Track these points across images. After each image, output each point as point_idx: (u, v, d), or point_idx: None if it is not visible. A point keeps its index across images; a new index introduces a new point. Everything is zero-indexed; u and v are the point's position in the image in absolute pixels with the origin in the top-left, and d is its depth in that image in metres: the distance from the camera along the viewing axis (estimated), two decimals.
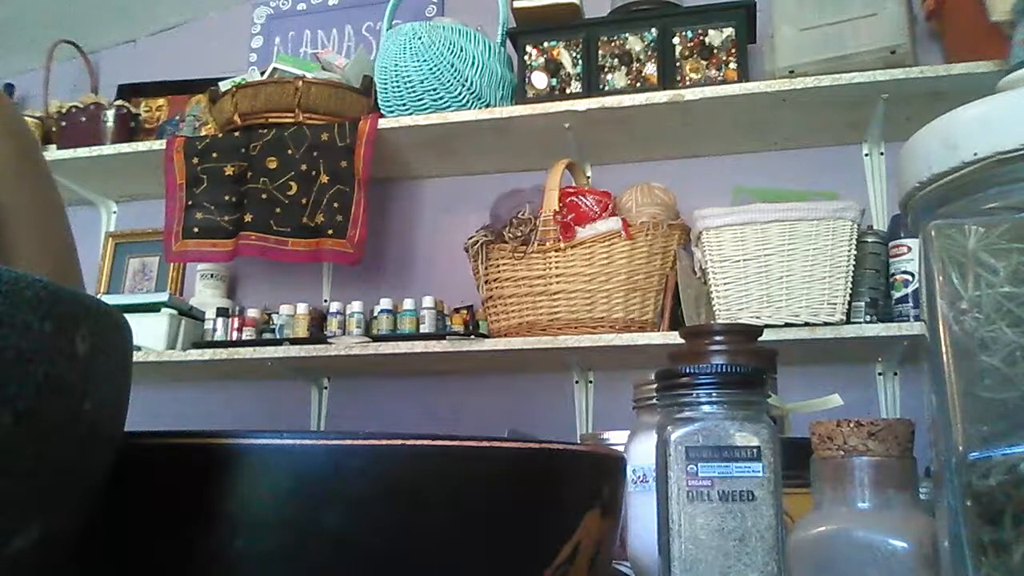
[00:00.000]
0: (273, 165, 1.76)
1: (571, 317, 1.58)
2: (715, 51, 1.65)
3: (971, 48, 1.52)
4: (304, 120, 1.78)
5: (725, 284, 1.51)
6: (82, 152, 1.92)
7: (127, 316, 0.33)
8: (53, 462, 0.28)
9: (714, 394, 0.50)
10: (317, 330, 1.84)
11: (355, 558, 0.36)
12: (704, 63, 1.65)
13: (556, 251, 1.57)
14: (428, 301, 1.81)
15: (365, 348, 1.70)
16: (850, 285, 1.48)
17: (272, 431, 0.37)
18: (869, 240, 1.54)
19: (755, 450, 0.49)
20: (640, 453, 0.69)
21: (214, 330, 1.86)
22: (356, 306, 1.84)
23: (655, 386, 0.55)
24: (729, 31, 1.65)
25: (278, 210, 1.75)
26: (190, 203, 1.79)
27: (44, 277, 0.27)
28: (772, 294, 1.49)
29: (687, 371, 0.51)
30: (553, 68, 1.74)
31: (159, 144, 1.87)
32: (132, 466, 0.35)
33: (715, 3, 1.69)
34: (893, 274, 1.54)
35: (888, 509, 0.54)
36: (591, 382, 1.86)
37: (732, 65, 1.64)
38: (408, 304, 1.83)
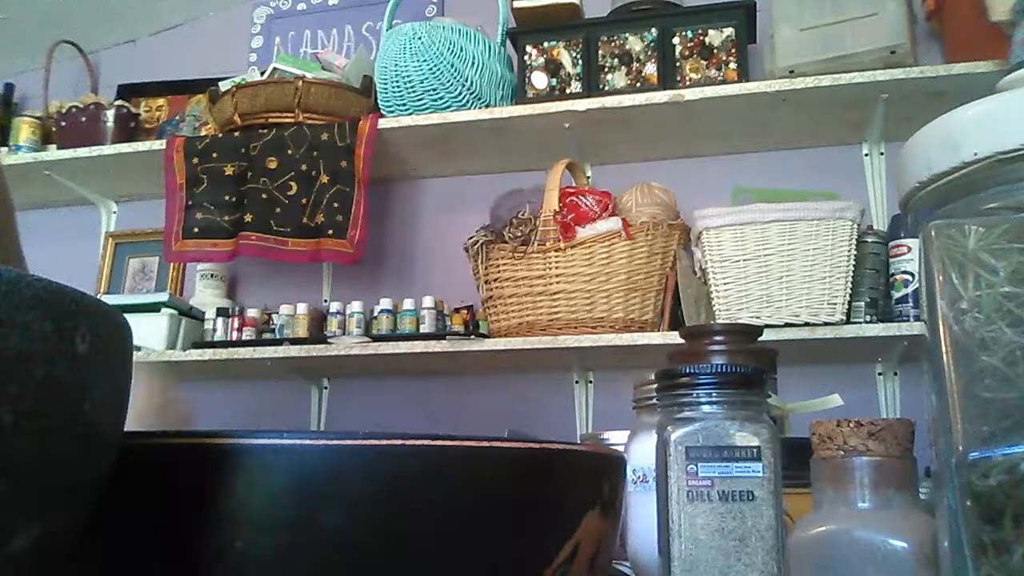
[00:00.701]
0: (273, 165, 1.76)
1: (571, 317, 1.58)
2: (715, 51, 1.65)
3: (971, 48, 1.51)
4: (304, 120, 1.78)
5: (725, 284, 1.51)
6: (82, 152, 1.92)
7: (127, 316, 0.33)
8: (53, 462, 0.28)
9: (714, 394, 0.50)
10: (317, 330, 1.84)
11: (355, 558, 0.36)
12: (704, 63, 1.65)
13: (556, 251, 1.57)
14: (428, 301, 1.81)
15: (365, 348, 1.70)
16: (850, 285, 1.47)
17: (272, 431, 0.37)
18: (869, 240, 1.54)
19: (755, 450, 0.49)
20: (640, 453, 0.69)
21: (214, 330, 1.86)
22: (356, 306, 1.83)
23: (655, 386, 0.55)
24: (729, 31, 1.65)
25: (278, 210, 1.75)
26: (190, 203, 1.79)
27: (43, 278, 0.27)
28: (772, 294, 1.49)
29: (687, 371, 0.51)
30: (553, 68, 1.74)
31: (159, 144, 1.87)
32: (132, 466, 0.35)
33: (715, 3, 1.69)
34: (893, 274, 1.54)
35: (888, 509, 0.54)
36: (591, 382, 1.85)
37: (732, 65, 1.64)
38: (408, 304, 1.83)
